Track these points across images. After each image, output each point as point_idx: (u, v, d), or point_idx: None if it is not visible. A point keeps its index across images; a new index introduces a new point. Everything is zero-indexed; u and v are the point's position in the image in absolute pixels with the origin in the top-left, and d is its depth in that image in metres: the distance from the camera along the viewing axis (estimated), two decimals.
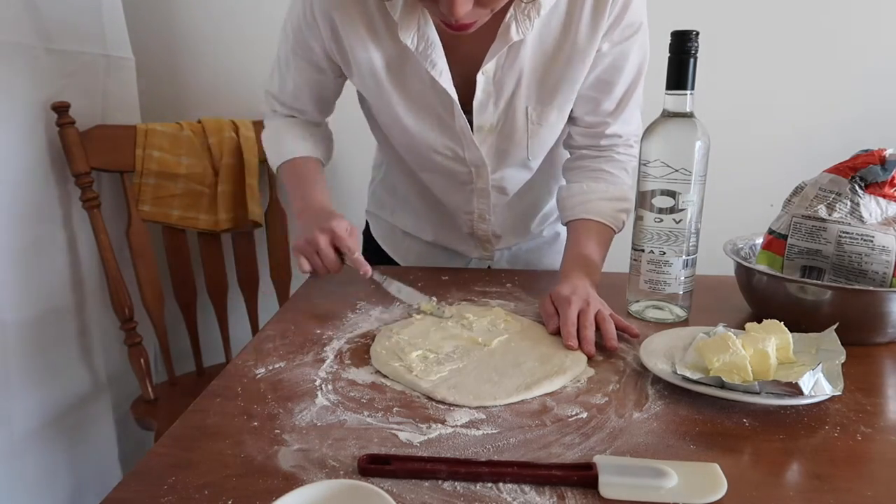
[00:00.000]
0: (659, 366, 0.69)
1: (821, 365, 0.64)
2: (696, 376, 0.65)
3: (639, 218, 0.86)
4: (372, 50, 0.90)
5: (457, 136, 0.96)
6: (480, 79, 0.90)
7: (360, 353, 0.77)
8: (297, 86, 1.03)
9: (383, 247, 1.26)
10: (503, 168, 1.02)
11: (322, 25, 0.91)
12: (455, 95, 0.91)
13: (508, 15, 0.84)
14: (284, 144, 1.07)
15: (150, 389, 1.48)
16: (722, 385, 0.64)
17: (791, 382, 0.61)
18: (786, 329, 0.70)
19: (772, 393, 0.62)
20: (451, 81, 0.90)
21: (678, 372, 0.66)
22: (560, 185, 1.06)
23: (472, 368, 0.71)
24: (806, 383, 0.61)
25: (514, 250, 1.21)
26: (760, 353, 0.66)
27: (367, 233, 1.29)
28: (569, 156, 1.06)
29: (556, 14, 0.87)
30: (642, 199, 0.85)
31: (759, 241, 0.95)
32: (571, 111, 0.99)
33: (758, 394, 0.62)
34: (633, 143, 1.02)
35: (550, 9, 0.86)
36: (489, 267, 1.20)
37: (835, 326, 0.73)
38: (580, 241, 0.97)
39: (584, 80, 0.93)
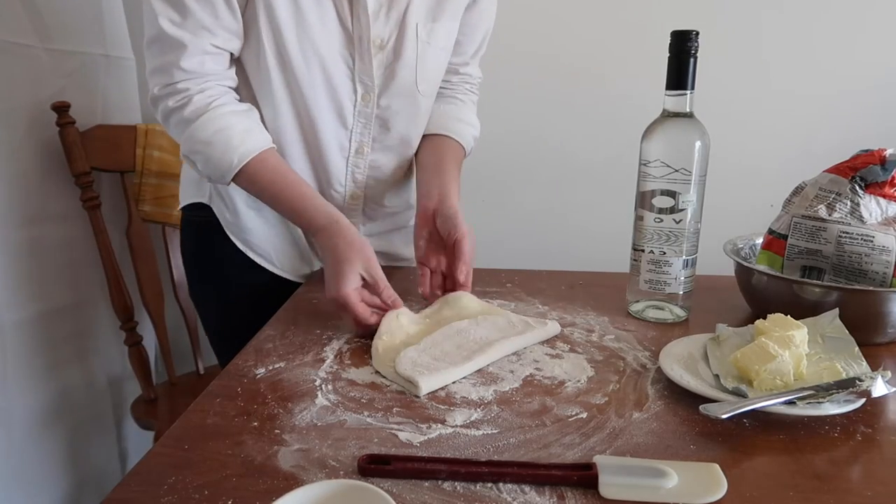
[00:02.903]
0: (698, 385, 0.66)
1: (879, 372, 0.64)
2: (761, 396, 0.62)
3: (639, 218, 0.86)
4: None
5: (353, 42, 0.93)
6: None
7: (360, 353, 0.77)
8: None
9: (230, 233, 1.06)
10: (390, 91, 0.99)
11: None
12: None
13: None
14: (231, 144, 0.89)
15: (150, 389, 1.48)
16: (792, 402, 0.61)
17: (865, 390, 0.61)
18: (798, 323, 0.70)
19: (846, 401, 0.61)
20: None
21: (728, 387, 0.64)
22: None
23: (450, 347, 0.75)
24: (878, 388, 0.61)
25: (375, 236, 1.14)
26: (795, 354, 0.66)
27: (206, 225, 1.06)
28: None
29: None
30: (642, 199, 0.85)
31: (759, 241, 0.95)
32: None
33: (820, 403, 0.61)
34: (476, 91, 1.16)
35: None
36: None
37: (835, 312, 0.73)
38: (443, 156, 1.04)
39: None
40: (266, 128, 0.96)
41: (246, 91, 0.96)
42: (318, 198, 0.93)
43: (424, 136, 1.08)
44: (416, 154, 1.09)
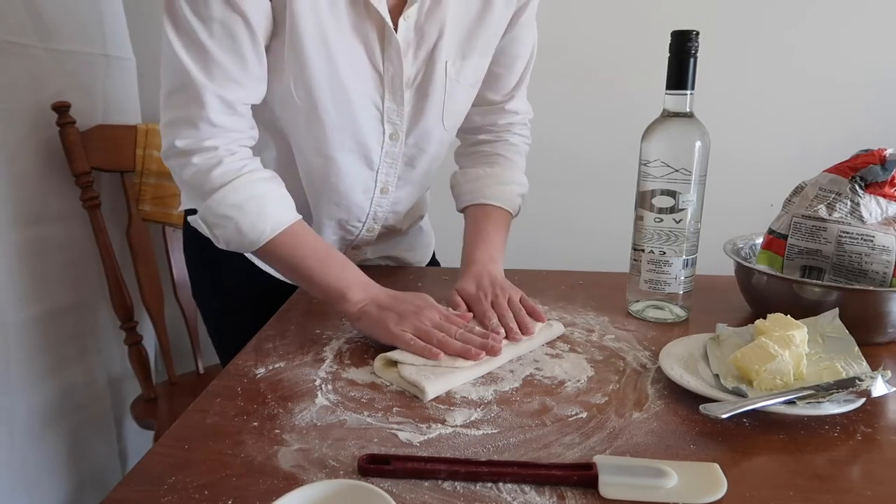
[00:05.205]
0: (699, 385, 0.66)
1: (879, 371, 0.64)
2: (761, 396, 0.62)
3: (639, 218, 0.86)
4: None
5: (383, 84, 0.91)
6: (402, 25, 0.87)
7: (360, 353, 0.77)
8: (234, 55, 0.81)
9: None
10: (417, 130, 0.97)
11: None
12: (388, 18, 0.85)
13: None
14: (266, 210, 0.84)
15: (150, 389, 1.48)
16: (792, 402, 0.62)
17: (864, 390, 0.61)
18: (798, 323, 0.70)
19: (846, 401, 0.62)
20: (386, 4, 0.84)
21: (728, 387, 0.64)
22: (454, 171, 1.09)
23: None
24: (878, 388, 0.61)
25: (379, 244, 1.14)
26: (795, 354, 0.66)
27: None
28: (460, 143, 1.10)
29: None
30: (642, 199, 0.85)
31: (759, 241, 0.95)
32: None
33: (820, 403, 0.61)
34: (527, 122, 1.10)
35: None
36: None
37: (835, 312, 0.74)
38: (480, 226, 0.99)
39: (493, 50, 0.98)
40: (288, 169, 0.95)
41: (268, 132, 0.94)
42: (341, 276, 0.85)
43: (467, 208, 1.04)
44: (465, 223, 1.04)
